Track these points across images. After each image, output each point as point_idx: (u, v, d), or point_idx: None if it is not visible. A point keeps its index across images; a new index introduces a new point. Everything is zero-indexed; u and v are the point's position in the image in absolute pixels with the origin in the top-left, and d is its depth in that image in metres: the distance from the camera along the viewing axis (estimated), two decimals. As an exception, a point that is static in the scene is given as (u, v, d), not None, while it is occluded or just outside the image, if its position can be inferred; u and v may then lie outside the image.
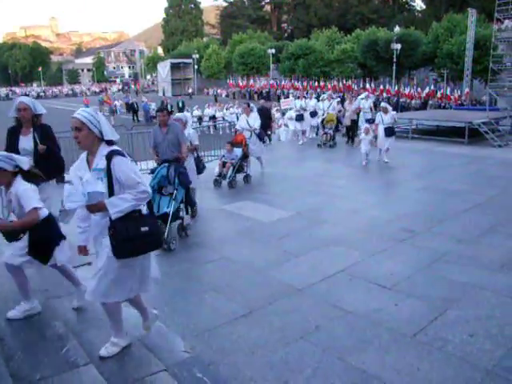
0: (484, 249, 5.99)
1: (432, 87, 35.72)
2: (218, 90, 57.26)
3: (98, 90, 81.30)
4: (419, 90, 35.93)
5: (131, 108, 30.38)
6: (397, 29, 37.43)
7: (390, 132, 11.98)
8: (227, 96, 55.60)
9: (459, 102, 31.83)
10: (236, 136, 10.49)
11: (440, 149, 14.36)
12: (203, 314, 4.44)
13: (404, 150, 14.18)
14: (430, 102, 33.53)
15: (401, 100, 35.15)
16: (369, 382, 3.41)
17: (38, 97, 76.20)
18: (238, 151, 9.85)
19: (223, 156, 10.03)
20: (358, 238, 6.53)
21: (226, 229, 7.12)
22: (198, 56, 64.36)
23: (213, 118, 20.61)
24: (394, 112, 12.29)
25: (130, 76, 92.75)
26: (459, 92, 33.38)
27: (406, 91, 36.35)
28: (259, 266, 5.59)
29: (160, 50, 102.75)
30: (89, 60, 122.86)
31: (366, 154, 11.89)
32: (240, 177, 10.05)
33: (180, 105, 23.64)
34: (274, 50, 53.73)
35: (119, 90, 69.26)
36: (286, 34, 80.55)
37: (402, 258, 5.77)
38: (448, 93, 33.57)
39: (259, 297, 4.76)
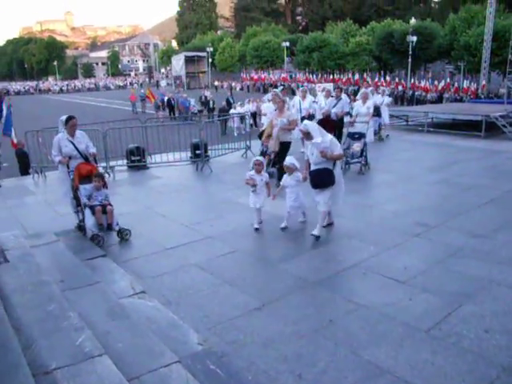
0: (500, 244, 5.90)
1: (448, 80, 35.23)
2: (233, 84, 57.19)
3: (122, 84, 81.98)
4: (435, 82, 35.45)
5: (168, 104, 29.18)
6: (413, 21, 37.02)
7: (317, 180, 6.09)
8: (241, 89, 55.56)
9: (476, 94, 31.36)
10: (80, 166, 6.51)
11: (456, 142, 14.16)
12: (217, 307, 4.46)
13: (419, 143, 14.05)
14: (446, 95, 33.06)
15: (416, 93, 34.77)
16: (382, 377, 3.40)
17: (61, 91, 77.01)
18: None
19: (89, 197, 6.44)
20: (373, 231, 6.49)
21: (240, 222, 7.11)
22: (212, 49, 64.36)
23: (254, 114, 19.91)
24: (331, 140, 6.01)
25: (144, 69, 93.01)
26: (476, 85, 32.87)
27: (422, 84, 35.89)
28: (273, 259, 5.60)
29: (174, 44, 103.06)
30: (103, 54, 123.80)
31: (256, 209, 6.62)
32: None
33: (231, 101, 23.04)
34: (288, 43, 53.54)
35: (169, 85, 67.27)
36: (300, 27, 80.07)
37: (416, 252, 5.72)
38: (464, 85, 33.06)
39: (273, 290, 4.76)
